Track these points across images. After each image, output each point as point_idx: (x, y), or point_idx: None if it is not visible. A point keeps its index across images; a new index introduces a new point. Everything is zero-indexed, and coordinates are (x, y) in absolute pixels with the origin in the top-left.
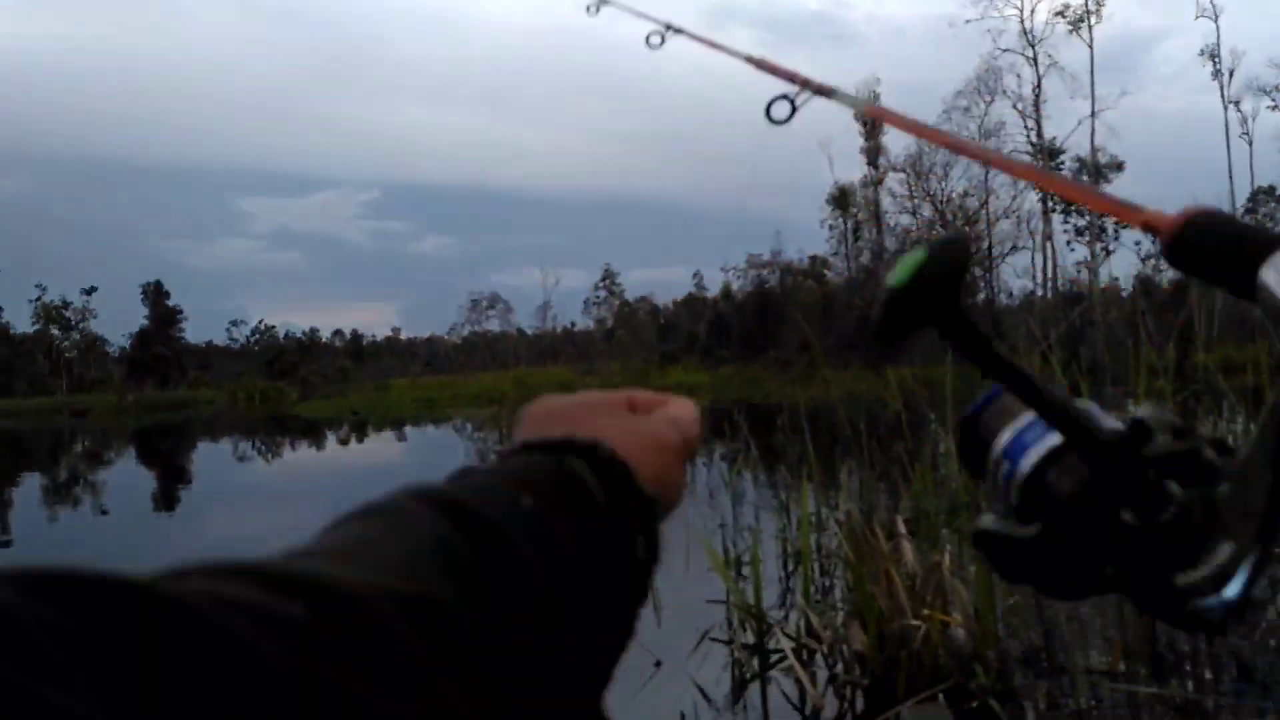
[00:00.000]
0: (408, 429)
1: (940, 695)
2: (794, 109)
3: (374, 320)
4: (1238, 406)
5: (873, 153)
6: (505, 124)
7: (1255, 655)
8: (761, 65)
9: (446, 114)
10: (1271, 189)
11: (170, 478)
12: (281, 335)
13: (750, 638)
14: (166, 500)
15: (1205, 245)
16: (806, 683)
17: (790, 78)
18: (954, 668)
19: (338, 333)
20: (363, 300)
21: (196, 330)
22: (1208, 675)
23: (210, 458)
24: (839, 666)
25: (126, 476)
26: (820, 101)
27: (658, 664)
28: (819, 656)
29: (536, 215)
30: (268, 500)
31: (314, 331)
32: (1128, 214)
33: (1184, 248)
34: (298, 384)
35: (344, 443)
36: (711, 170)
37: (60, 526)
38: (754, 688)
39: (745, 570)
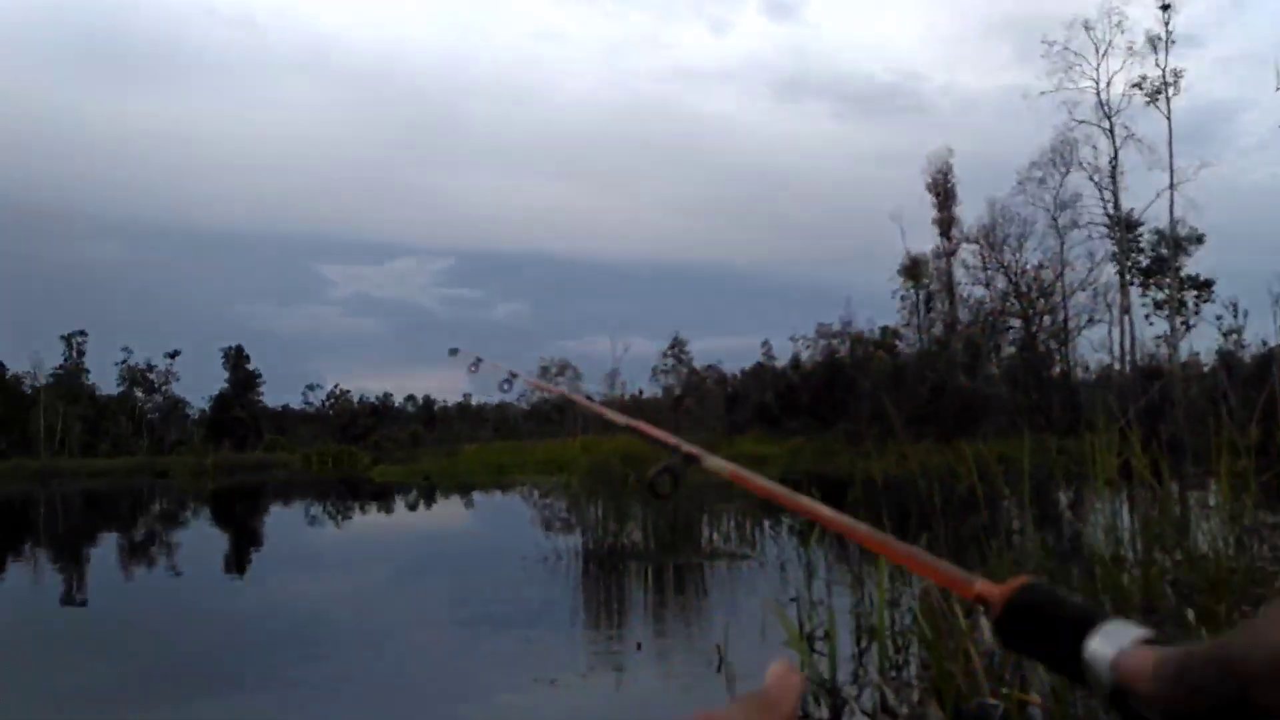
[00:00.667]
0: (475, 494)
1: None
2: (677, 483)
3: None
4: None
5: (945, 223)
6: (578, 194)
7: None
8: (642, 433)
9: (521, 184)
10: None
11: (244, 540)
12: (356, 400)
13: (825, 712)
14: (239, 563)
15: (1028, 624)
16: None
17: (664, 443)
18: None
19: (410, 398)
20: (435, 366)
21: (274, 394)
22: None
23: (282, 521)
24: None
25: (201, 538)
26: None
27: None
28: None
29: (607, 283)
30: (334, 564)
31: (387, 396)
32: (960, 586)
33: (1009, 627)
34: (370, 448)
35: (412, 508)
36: (782, 240)
37: (134, 586)
38: None
39: (819, 645)
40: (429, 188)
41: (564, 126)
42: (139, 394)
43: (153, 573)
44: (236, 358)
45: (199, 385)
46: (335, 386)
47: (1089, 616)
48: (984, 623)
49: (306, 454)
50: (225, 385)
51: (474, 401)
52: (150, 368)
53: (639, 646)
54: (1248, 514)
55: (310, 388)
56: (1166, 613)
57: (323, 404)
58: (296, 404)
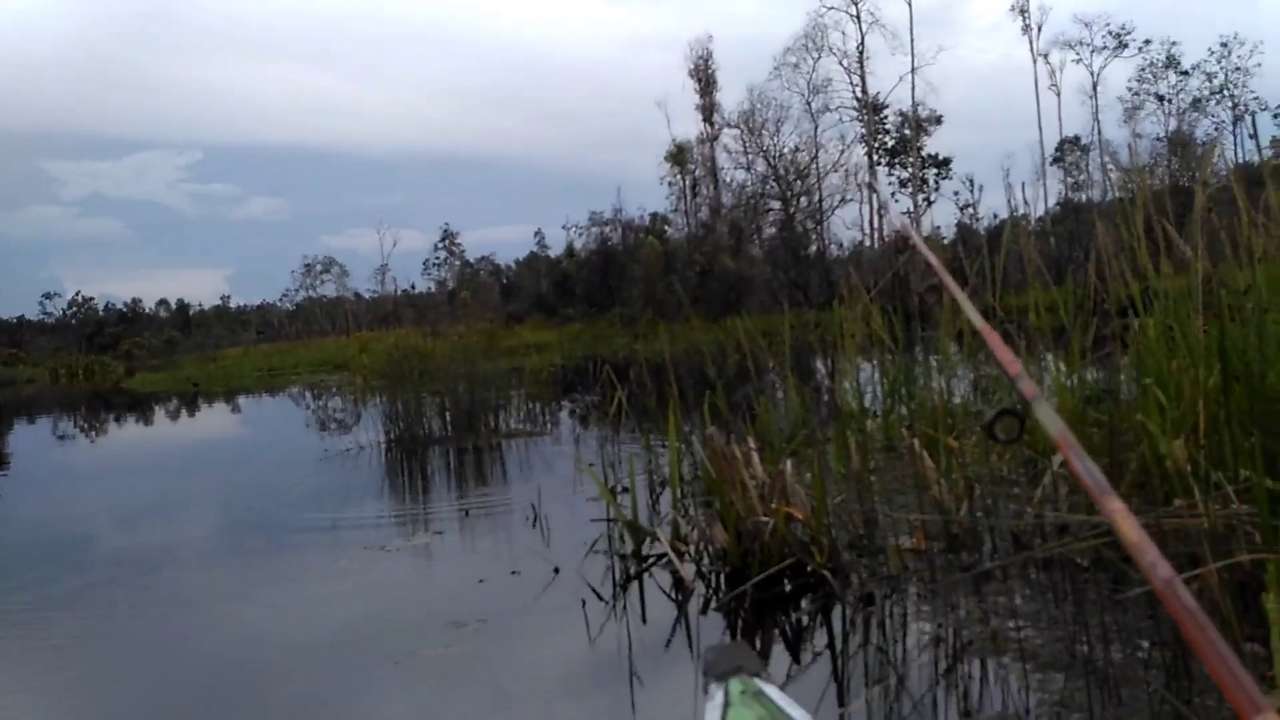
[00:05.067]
0: (242, 400)
1: (785, 578)
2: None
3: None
4: (1046, 344)
5: (707, 109)
6: (335, 81)
7: (1022, 529)
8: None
9: (272, 71)
10: (1076, 139)
11: None
12: (101, 307)
13: (630, 546)
14: None
15: None
16: (681, 570)
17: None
18: (795, 551)
19: (163, 302)
20: (188, 267)
21: (6, 304)
22: (986, 545)
23: (30, 438)
24: (704, 561)
25: None
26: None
27: (556, 570)
28: (687, 556)
29: (372, 175)
30: (92, 478)
31: (137, 302)
32: (1243, 705)
33: None
34: (123, 357)
35: (176, 416)
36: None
37: None
38: (633, 586)
39: (621, 498)
40: (170, 77)
41: (314, 7)
42: None
43: None
44: None
45: None
46: (77, 294)
47: None
48: (755, 458)
49: (53, 367)
50: None
51: (233, 304)
52: None
53: (467, 513)
54: (951, 366)
55: (47, 296)
56: (905, 451)
57: (64, 313)
58: (33, 315)
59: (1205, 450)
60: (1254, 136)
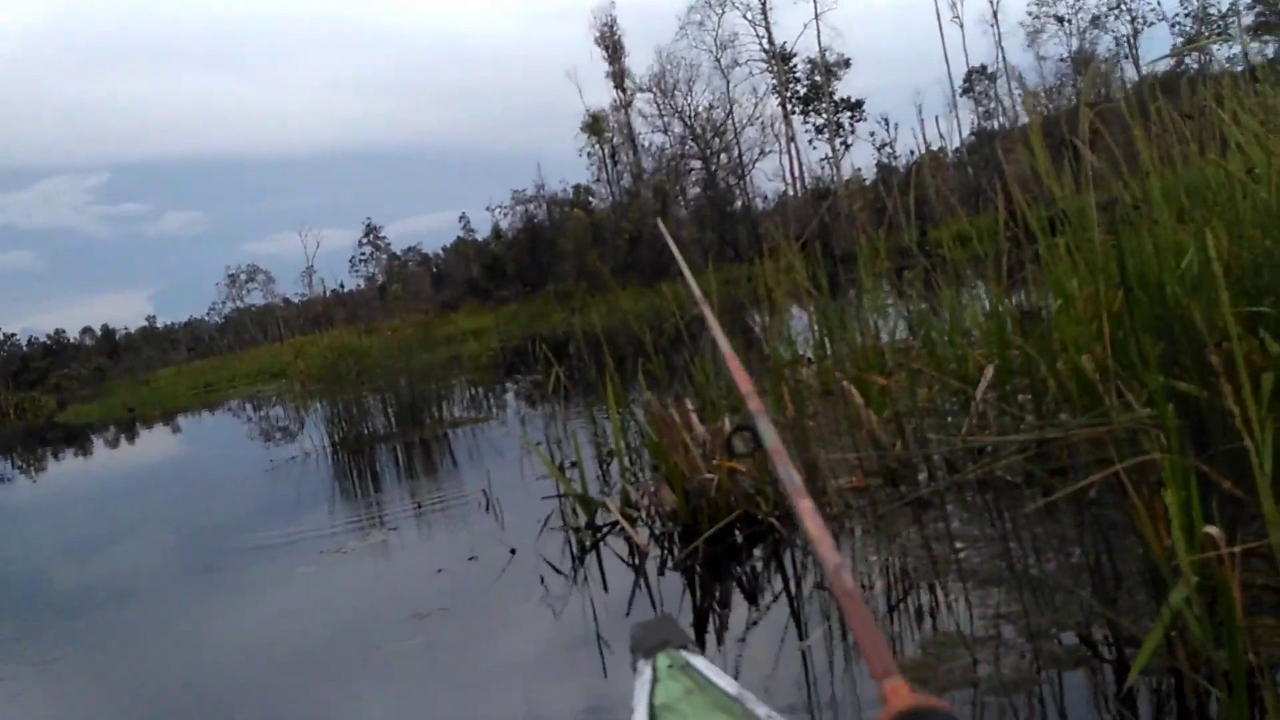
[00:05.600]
0: (181, 419)
1: (736, 529)
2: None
3: (124, 311)
4: (968, 273)
5: (618, 76)
6: (238, 85)
7: (954, 456)
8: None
9: (171, 82)
10: (984, 68)
11: None
12: (25, 342)
13: (583, 519)
14: None
15: None
16: (634, 536)
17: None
18: (742, 503)
19: (87, 330)
20: (109, 291)
21: None
22: (921, 475)
23: None
24: (656, 524)
25: None
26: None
27: (513, 551)
28: (639, 522)
29: (287, 177)
30: (37, 517)
31: (60, 333)
32: (878, 669)
33: None
34: (52, 390)
35: (114, 444)
36: (465, 111)
37: None
38: (591, 557)
39: (569, 472)
40: (67, 98)
41: (207, 12)
42: None
43: None
44: None
45: None
46: None
47: None
48: (694, 419)
49: None
50: None
51: (160, 323)
52: None
53: (420, 506)
54: (877, 307)
55: None
56: (839, 393)
57: None
58: None
59: (1113, 360)
60: (1131, 57)
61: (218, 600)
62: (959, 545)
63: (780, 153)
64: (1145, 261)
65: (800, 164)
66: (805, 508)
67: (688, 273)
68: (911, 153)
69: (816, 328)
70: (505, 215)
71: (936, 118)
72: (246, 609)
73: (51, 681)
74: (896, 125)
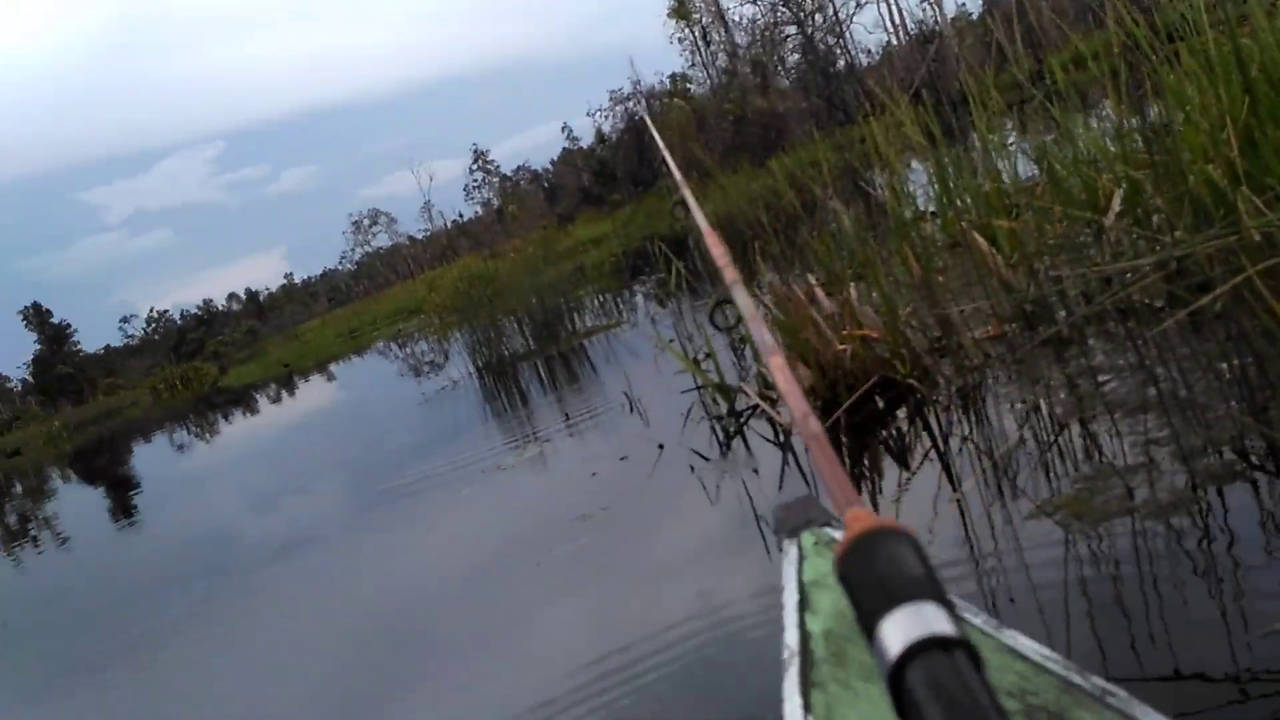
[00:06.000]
0: (333, 368)
1: (875, 395)
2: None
3: (263, 272)
4: (1092, 96)
5: None
6: (327, 35)
7: (1091, 289)
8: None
9: (261, 44)
10: None
11: (118, 488)
12: (178, 316)
13: (724, 407)
14: (124, 510)
15: (855, 577)
16: (776, 416)
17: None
18: (880, 368)
19: (232, 295)
20: (245, 255)
21: (90, 338)
22: (1061, 314)
23: (151, 456)
24: None
25: (75, 502)
26: None
27: (660, 446)
28: (779, 403)
29: (389, 118)
30: (218, 476)
31: (209, 302)
32: (840, 501)
33: (843, 573)
34: (212, 358)
35: (275, 401)
36: (547, 22)
37: (28, 571)
38: (736, 442)
39: (704, 364)
40: (169, 75)
41: None
42: None
43: (42, 550)
44: (38, 315)
45: (9, 356)
46: (151, 310)
47: (893, 597)
48: (819, 293)
49: (152, 385)
50: (37, 346)
51: (298, 279)
52: None
53: (568, 416)
54: (997, 146)
55: (125, 320)
56: (965, 244)
57: (145, 331)
58: (117, 341)
59: (1244, 166)
60: None
61: (396, 532)
62: (1103, 378)
63: (877, 2)
64: (1272, 59)
65: (900, 9)
66: (775, 363)
67: (671, 162)
68: None
69: (935, 181)
70: (606, 118)
71: None
72: (422, 535)
73: (264, 623)
74: None
